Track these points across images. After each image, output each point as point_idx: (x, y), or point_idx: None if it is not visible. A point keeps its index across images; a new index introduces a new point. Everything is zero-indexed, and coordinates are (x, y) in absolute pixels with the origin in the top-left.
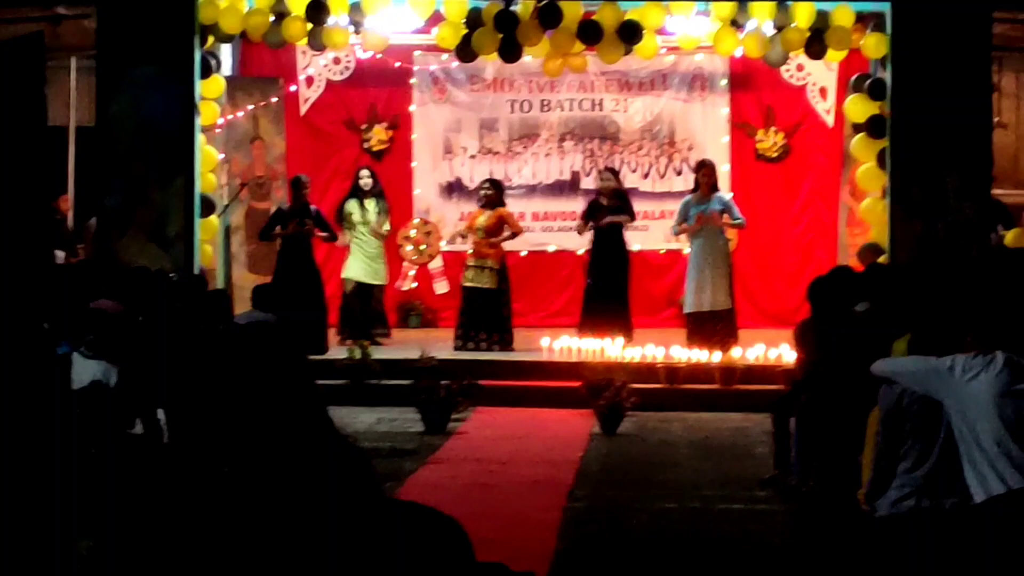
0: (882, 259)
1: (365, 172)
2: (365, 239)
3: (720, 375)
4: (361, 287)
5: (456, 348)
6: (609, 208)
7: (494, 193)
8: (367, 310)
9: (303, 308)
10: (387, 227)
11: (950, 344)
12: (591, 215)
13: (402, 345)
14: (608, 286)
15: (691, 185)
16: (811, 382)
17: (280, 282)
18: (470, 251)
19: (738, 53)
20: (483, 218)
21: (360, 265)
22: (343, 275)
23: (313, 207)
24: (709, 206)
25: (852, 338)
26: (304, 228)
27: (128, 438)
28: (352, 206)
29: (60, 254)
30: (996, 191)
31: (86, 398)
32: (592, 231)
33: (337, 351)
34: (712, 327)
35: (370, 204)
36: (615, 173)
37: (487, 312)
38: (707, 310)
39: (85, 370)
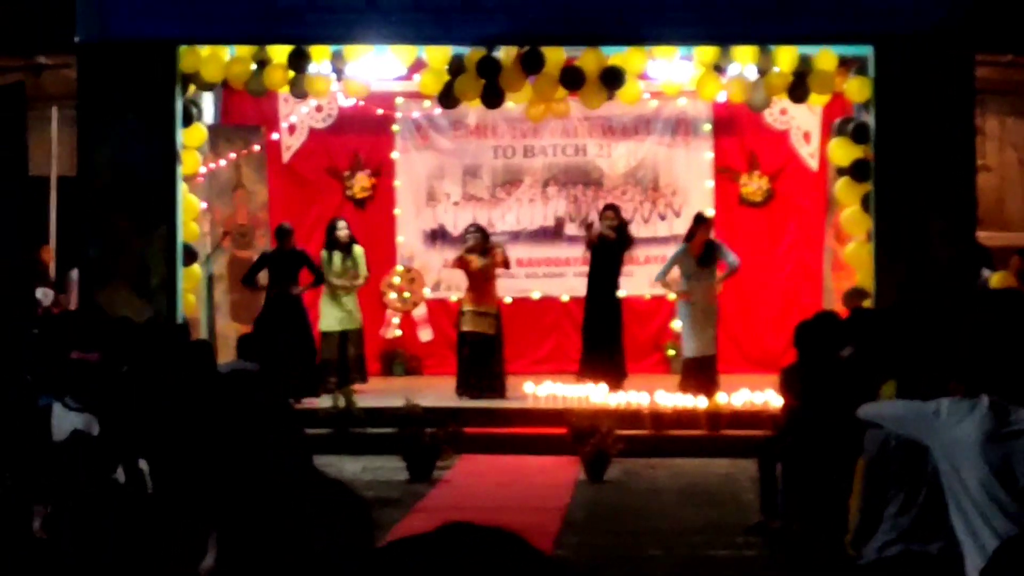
0: (867, 303)
1: (343, 223)
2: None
3: (706, 420)
4: (340, 335)
5: (459, 395)
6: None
7: (482, 236)
8: (344, 358)
9: (291, 356)
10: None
11: (937, 388)
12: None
13: (386, 393)
14: (602, 331)
15: (674, 229)
16: (797, 427)
17: (264, 331)
18: (457, 298)
19: (721, 98)
20: (479, 261)
21: (335, 314)
22: (322, 328)
23: (300, 249)
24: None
25: (837, 383)
26: (293, 293)
27: (110, 488)
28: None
29: (49, 293)
30: (980, 234)
31: (68, 449)
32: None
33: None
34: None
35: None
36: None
37: (486, 358)
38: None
39: (67, 421)
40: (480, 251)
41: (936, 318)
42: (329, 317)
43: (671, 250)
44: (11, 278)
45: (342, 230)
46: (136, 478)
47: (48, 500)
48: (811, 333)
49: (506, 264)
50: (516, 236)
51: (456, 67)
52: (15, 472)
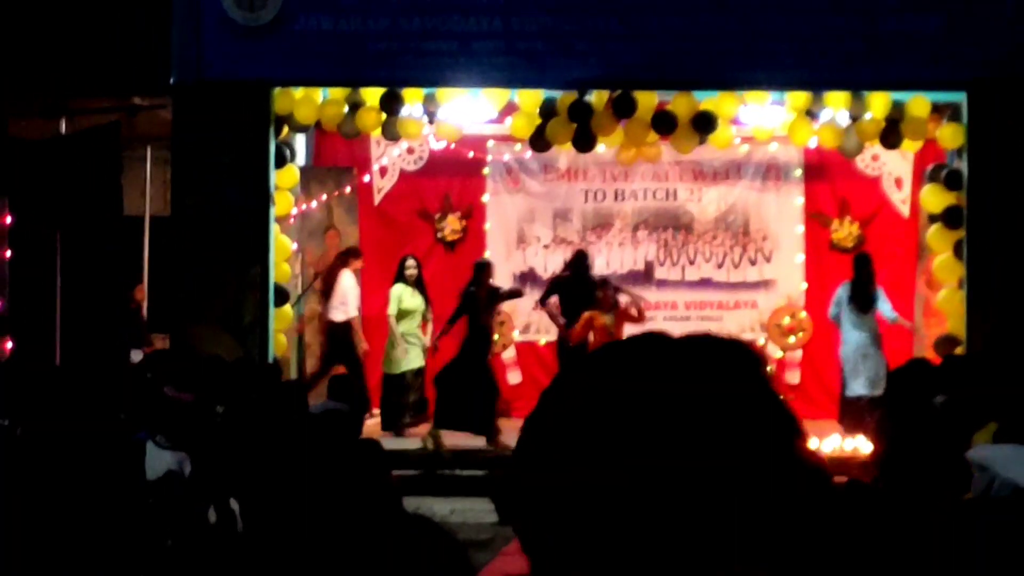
0: (958, 350)
1: (412, 261)
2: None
3: None
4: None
5: None
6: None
7: (611, 293)
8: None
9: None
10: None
11: None
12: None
13: (475, 435)
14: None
15: (763, 275)
16: (888, 475)
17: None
18: (546, 342)
19: (813, 143)
20: (608, 319)
21: (418, 353)
22: (406, 367)
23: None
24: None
25: (930, 431)
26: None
27: (203, 527)
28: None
29: (137, 353)
30: None
31: (161, 488)
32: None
33: (408, 441)
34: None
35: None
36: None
37: None
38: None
39: (160, 460)
40: (608, 307)
41: None
42: (414, 356)
43: (760, 295)
44: (108, 316)
45: (410, 268)
46: (227, 518)
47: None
48: (904, 380)
49: (641, 316)
50: (606, 280)
51: (548, 111)
52: (110, 510)
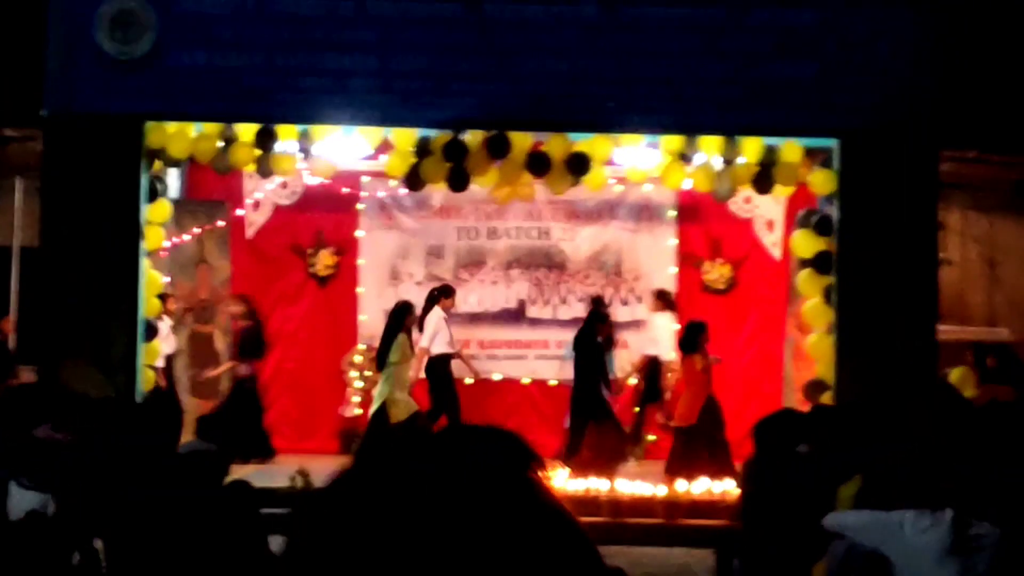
0: (826, 395)
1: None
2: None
3: (664, 509)
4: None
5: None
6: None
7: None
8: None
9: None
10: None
11: (899, 493)
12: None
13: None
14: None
15: (636, 315)
16: (754, 522)
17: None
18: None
19: (686, 185)
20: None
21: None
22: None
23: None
24: None
25: (795, 480)
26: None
27: (66, 569)
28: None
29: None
30: (941, 328)
31: (23, 529)
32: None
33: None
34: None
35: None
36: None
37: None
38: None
39: (22, 501)
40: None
41: (897, 419)
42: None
43: (632, 335)
44: None
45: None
46: (91, 559)
47: None
48: (770, 429)
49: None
50: (478, 317)
51: (422, 149)
52: None
